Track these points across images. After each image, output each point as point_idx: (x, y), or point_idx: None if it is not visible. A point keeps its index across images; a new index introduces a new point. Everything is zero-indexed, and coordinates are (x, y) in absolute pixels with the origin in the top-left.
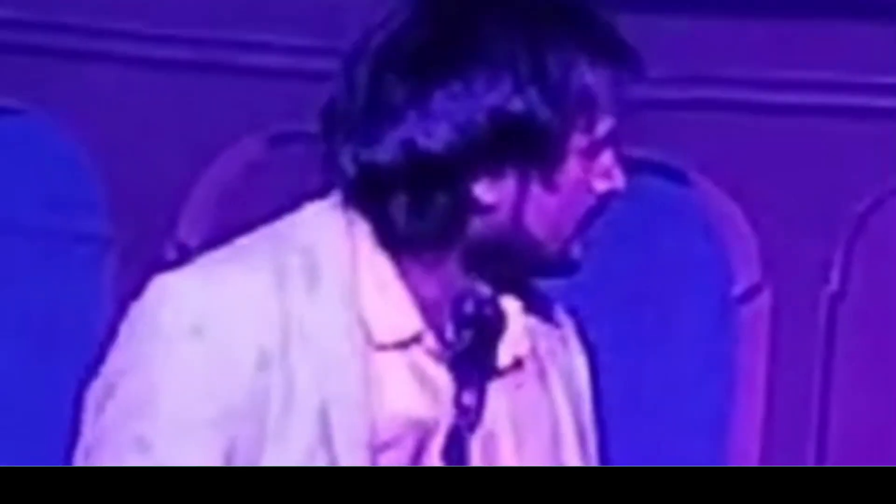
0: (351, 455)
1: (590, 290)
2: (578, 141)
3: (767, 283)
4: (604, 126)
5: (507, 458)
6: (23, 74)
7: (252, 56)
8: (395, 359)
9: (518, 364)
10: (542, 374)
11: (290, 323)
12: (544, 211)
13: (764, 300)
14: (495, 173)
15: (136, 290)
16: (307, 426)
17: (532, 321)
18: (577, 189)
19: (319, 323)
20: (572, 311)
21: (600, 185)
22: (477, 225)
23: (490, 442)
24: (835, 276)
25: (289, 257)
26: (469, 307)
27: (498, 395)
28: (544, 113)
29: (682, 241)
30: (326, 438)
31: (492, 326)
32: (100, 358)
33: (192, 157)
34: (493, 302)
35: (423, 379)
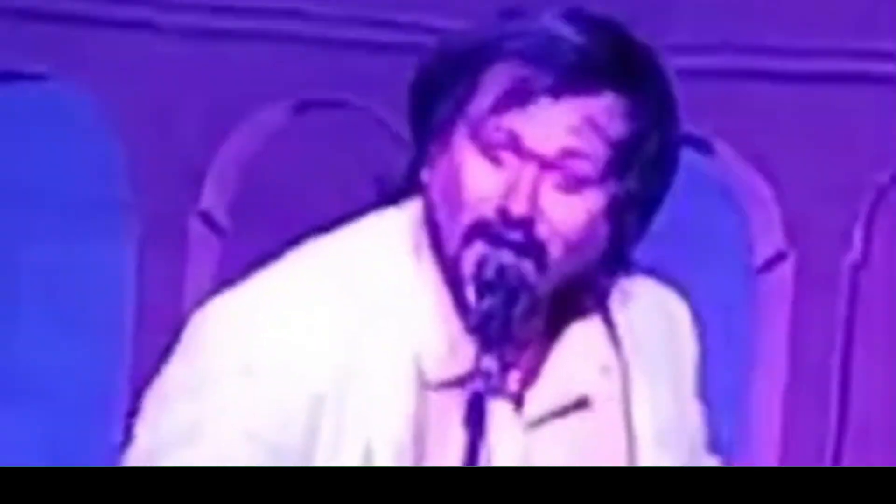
0: None
1: None
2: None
3: (790, 252)
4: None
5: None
6: (47, 41)
7: (277, 23)
8: (452, 398)
9: (582, 404)
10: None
11: (347, 362)
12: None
13: (786, 269)
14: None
15: (160, 259)
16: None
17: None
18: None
19: (375, 360)
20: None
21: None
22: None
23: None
24: (856, 245)
25: (349, 287)
26: (490, 272)
27: (557, 438)
28: None
29: (704, 210)
30: None
31: (513, 293)
32: (134, 339)
33: (216, 125)
34: (515, 268)
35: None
